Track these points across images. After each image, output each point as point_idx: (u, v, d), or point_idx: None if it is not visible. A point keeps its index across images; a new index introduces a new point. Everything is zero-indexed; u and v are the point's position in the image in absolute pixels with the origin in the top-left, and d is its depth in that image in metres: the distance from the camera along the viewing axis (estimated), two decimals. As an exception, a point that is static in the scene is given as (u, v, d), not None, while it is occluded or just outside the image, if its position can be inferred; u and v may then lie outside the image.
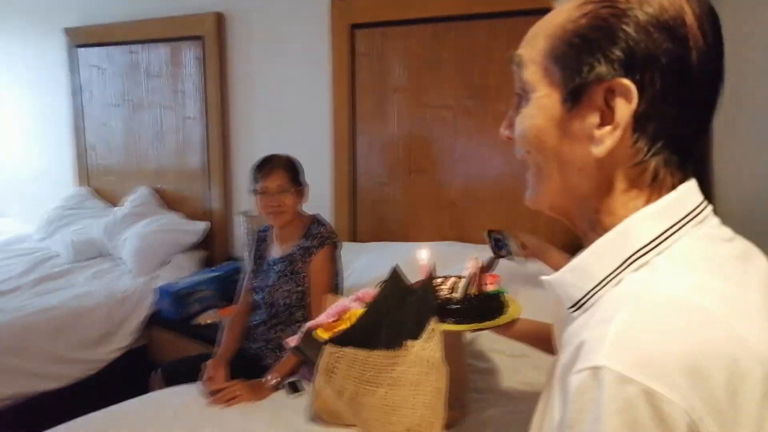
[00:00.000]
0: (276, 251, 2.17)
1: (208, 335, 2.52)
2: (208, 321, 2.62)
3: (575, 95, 0.59)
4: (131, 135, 3.45)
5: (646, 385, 0.48)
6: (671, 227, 0.58)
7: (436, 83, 2.36)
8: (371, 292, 0.99)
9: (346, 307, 0.95)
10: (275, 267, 2.12)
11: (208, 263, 3.15)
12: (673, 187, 0.60)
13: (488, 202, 2.33)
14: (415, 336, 0.85)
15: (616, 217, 0.61)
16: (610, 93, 0.57)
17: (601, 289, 0.60)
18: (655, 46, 0.55)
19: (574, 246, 1.90)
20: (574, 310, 0.62)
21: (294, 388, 1.89)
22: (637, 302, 0.54)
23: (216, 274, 2.84)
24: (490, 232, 1.62)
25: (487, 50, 2.22)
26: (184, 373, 2.03)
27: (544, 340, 1.38)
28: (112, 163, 3.58)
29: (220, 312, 2.62)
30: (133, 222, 3.07)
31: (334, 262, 2.09)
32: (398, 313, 0.87)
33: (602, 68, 0.57)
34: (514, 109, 0.68)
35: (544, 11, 2.16)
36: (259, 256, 2.22)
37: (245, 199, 3.05)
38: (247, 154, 3.04)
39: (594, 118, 0.58)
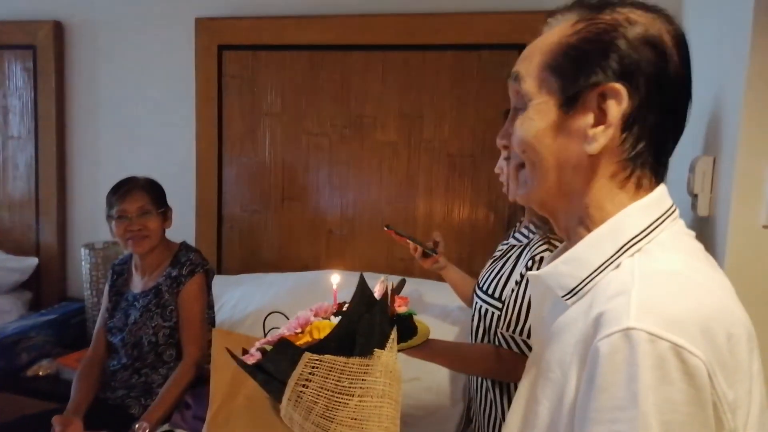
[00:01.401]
0: (137, 285, 1.95)
1: (44, 389, 2.15)
2: (42, 373, 2.23)
3: (572, 100, 0.66)
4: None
5: (674, 341, 0.55)
6: (655, 221, 0.66)
7: (312, 110, 2.34)
8: (325, 305, 0.93)
9: (308, 320, 0.89)
10: (137, 302, 1.90)
11: (34, 306, 2.70)
12: (647, 187, 0.69)
13: (366, 230, 2.34)
14: (381, 345, 0.83)
15: (604, 211, 0.68)
16: (602, 96, 0.65)
17: (598, 274, 0.66)
18: (640, 57, 0.64)
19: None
20: (569, 298, 0.68)
21: (170, 438, 1.68)
22: (648, 276, 0.61)
23: (49, 317, 2.44)
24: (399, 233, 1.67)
25: (363, 81, 2.27)
26: (22, 434, 1.70)
27: (458, 358, 1.41)
28: None
29: (60, 361, 2.25)
30: (-63, 260, 2.53)
31: (207, 291, 1.93)
32: (367, 321, 0.83)
33: (597, 76, 0.65)
34: (510, 122, 0.73)
35: (418, 47, 2.29)
36: (116, 292, 1.98)
37: (84, 231, 2.71)
38: (89, 180, 2.71)
39: (588, 119, 0.66)
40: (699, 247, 0.69)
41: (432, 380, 1.80)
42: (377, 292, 1.34)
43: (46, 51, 2.64)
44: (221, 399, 1.52)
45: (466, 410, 1.80)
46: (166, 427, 1.73)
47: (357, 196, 2.34)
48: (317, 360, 0.81)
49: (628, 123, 0.65)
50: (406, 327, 1.33)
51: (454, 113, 2.18)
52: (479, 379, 1.45)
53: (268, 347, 0.91)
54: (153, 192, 1.90)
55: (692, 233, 0.70)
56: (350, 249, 2.35)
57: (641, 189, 0.68)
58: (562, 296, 0.69)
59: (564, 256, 0.70)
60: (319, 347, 0.84)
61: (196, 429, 1.69)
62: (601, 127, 0.65)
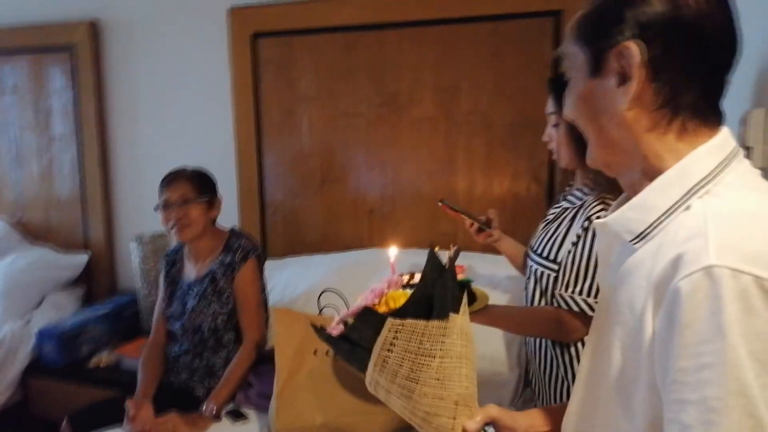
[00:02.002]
0: (190, 273, 1.99)
1: (107, 378, 2.24)
2: (103, 363, 2.31)
3: (596, 64, 0.71)
4: (-22, 161, 2.98)
5: (756, 274, 0.57)
6: (721, 162, 0.68)
7: (348, 92, 2.35)
8: (395, 278, 0.97)
9: (382, 291, 0.92)
10: (193, 290, 1.94)
11: (87, 300, 2.79)
12: (695, 131, 0.70)
13: (408, 207, 2.35)
14: (456, 309, 0.86)
15: (662, 158, 0.70)
16: (621, 55, 0.68)
17: (667, 217, 0.68)
18: (651, 10, 0.67)
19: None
20: (637, 242, 0.71)
21: (236, 416, 1.72)
22: (723, 215, 0.63)
23: (105, 310, 2.52)
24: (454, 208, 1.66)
25: (398, 58, 2.27)
26: (96, 419, 1.77)
27: (518, 321, 1.42)
28: (-47, 196, 3.05)
29: (119, 351, 2.32)
30: (-8, 260, 2.62)
31: (260, 275, 1.96)
32: (440, 287, 0.86)
33: (612, 38, 0.69)
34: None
35: (453, 21, 2.29)
36: (171, 280, 2.02)
37: (130, 225, 2.78)
38: (132, 175, 2.78)
39: (613, 80, 0.70)
40: None
41: (486, 348, 1.82)
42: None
43: (83, 51, 2.70)
44: (287, 374, 1.57)
45: (523, 374, 1.81)
46: (231, 406, 1.78)
47: (397, 174, 2.35)
48: (400, 324, 0.85)
49: (654, 74, 0.68)
50: (468, 293, 1.35)
51: (492, 84, 2.18)
52: (537, 340, 1.46)
53: (350, 320, 0.94)
54: (197, 181, 1.92)
55: (759, 171, 0.71)
56: (392, 227, 2.36)
57: (687, 133, 0.69)
58: (630, 240, 0.72)
59: (630, 202, 0.72)
60: (399, 313, 0.87)
61: (261, 406, 1.73)
62: (623, 85, 0.69)
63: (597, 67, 0.71)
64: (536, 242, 1.47)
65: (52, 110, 2.81)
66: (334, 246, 2.44)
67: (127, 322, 2.57)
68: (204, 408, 1.71)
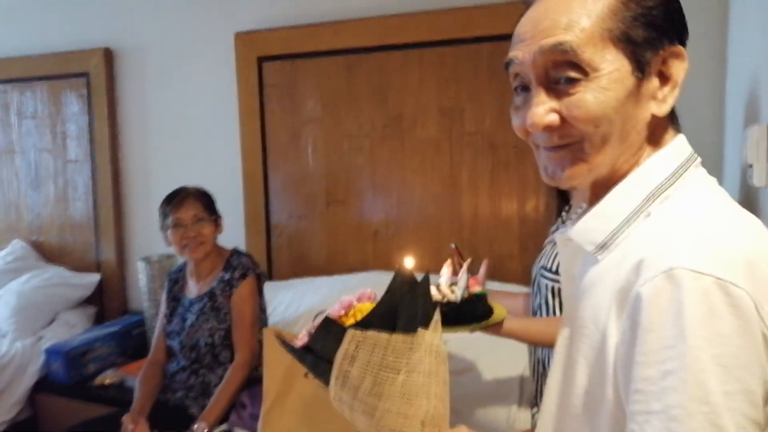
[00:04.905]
0: (192, 290, 2.01)
1: (110, 397, 2.25)
2: (108, 381, 2.33)
3: (643, 65, 0.65)
4: (-1, 183, 3.08)
5: (717, 276, 0.54)
6: (679, 168, 0.67)
7: (352, 113, 2.37)
8: (368, 292, 0.94)
9: (351, 303, 0.89)
10: (193, 307, 1.95)
11: (98, 319, 2.83)
12: (669, 138, 0.70)
13: (412, 229, 2.34)
14: (425, 325, 0.82)
15: (638, 165, 0.68)
16: (663, 58, 0.66)
17: (628, 225, 0.66)
18: (680, 17, 0.67)
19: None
20: (599, 253, 0.68)
21: (229, 437, 1.71)
22: (684, 219, 0.61)
23: (112, 329, 2.55)
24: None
25: (401, 80, 2.28)
26: (92, 436, 1.78)
27: (537, 331, 1.37)
28: (-26, 217, 3.15)
29: (124, 369, 2.34)
30: (8, 279, 2.69)
31: (258, 294, 1.97)
32: (410, 301, 0.83)
33: (664, 39, 0.65)
34: (555, 96, 0.66)
35: (454, 42, 2.26)
36: (173, 298, 2.04)
37: (140, 247, 2.82)
38: (142, 198, 2.83)
39: (656, 82, 0.66)
40: (725, 192, 0.68)
41: (484, 371, 1.79)
42: (448, 272, 1.34)
43: (99, 77, 2.79)
44: (274, 395, 1.55)
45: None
46: (224, 426, 1.76)
47: (401, 196, 2.35)
48: (361, 337, 0.82)
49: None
50: (482, 306, 1.30)
51: (495, 104, 2.17)
52: (551, 352, 1.43)
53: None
54: (205, 200, 1.97)
55: (715, 180, 0.69)
56: (397, 249, 2.34)
57: (664, 139, 0.69)
58: (591, 251, 0.68)
59: (592, 211, 0.69)
60: (362, 324, 0.84)
61: (254, 428, 1.71)
62: (667, 88, 0.66)
63: (643, 67, 0.64)
64: (548, 261, 1.45)
65: (69, 134, 2.90)
66: (338, 268, 2.43)
67: (134, 342, 2.59)
68: (195, 427, 1.70)
